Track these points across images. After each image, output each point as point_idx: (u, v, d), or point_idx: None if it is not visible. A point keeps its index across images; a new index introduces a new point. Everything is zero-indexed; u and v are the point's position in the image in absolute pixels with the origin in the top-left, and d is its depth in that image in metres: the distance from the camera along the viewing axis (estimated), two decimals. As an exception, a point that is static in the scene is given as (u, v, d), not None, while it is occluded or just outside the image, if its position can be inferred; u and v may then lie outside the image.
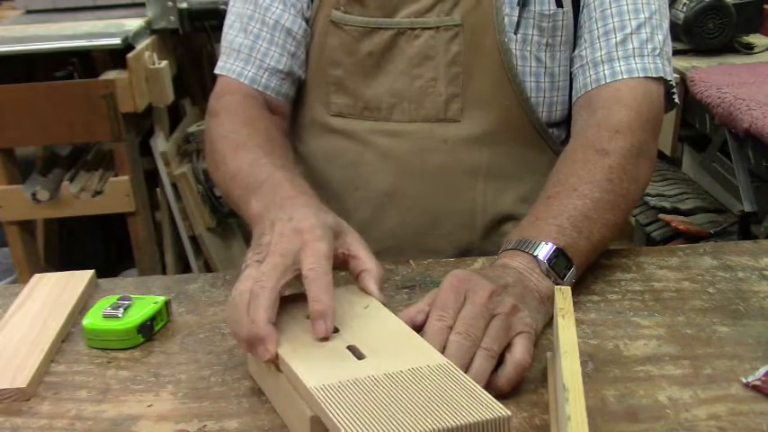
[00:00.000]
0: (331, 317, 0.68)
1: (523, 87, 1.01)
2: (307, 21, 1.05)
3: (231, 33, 1.05)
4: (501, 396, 0.69)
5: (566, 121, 1.05)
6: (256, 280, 0.69)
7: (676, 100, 1.03)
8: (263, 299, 0.67)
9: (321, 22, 1.03)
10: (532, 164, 1.05)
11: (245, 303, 0.68)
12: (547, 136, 1.05)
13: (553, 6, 1.00)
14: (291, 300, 0.75)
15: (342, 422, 0.56)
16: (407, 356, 0.65)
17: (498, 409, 0.57)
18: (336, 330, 0.70)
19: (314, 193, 0.83)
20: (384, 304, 0.74)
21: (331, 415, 0.57)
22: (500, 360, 0.70)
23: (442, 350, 0.68)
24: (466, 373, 0.67)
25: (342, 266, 0.77)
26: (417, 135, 1.03)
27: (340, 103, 1.05)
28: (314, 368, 0.64)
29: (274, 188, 0.83)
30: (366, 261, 0.76)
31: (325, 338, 0.68)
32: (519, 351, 0.70)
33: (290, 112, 1.10)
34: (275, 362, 0.67)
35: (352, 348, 0.67)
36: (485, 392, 0.59)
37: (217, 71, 1.06)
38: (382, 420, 0.56)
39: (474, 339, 0.69)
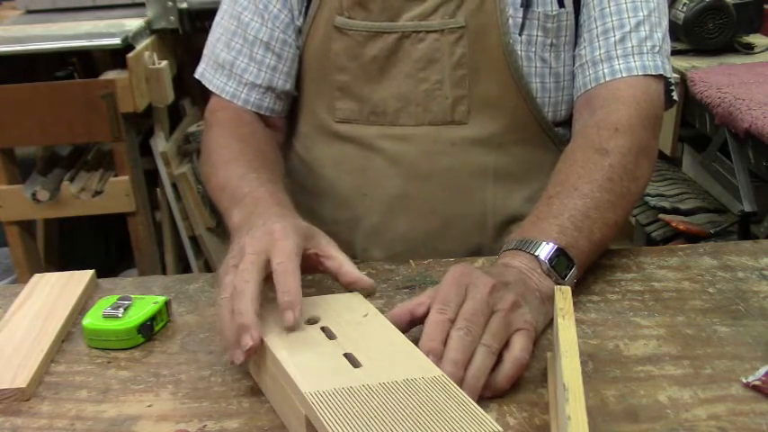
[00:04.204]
0: (299, 307, 0.70)
1: (529, 88, 1.01)
2: (299, 30, 1.05)
3: (218, 47, 1.08)
4: (500, 394, 0.69)
5: (571, 120, 1.05)
6: (237, 281, 0.71)
7: (675, 97, 1.03)
8: (248, 291, 0.70)
9: (322, 28, 1.03)
10: (540, 163, 1.05)
11: (230, 309, 0.70)
12: (553, 135, 1.05)
13: (556, 7, 1.00)
14: None
15: (334, 429, 0.56)
16: (403, 367, 0.65)
17: (490, 425, 0.57)
18: (334, 337, 0.70)
19: (293, 207, 0.87)
20: (380, 309, 0.75)
21: (323, 421, 0.58)
22: (499, 358, 0.70)
23: (443, 343, 0.68)
24: (466, 369, 0.67)
25: (315, 268, 0.80)
26: (424, 139, 1.03)
27: (345, 109, 1.05)
28: (309, 374, 0.64)
29: (255, 201, 0.86)
30: (342, 260, 0.79)
31: (292, 329, 0.70)
32: (517, 348, 0.70)
33: (291, 121, 1.12)
34: (254, 355, 0.69)
35: (348, 356, 0.67)
36: (478, 407, 0.59)
37: (198, 78, 1.10)
38: (374, 430, 0.56)
39: (475, 335, 0.69)
